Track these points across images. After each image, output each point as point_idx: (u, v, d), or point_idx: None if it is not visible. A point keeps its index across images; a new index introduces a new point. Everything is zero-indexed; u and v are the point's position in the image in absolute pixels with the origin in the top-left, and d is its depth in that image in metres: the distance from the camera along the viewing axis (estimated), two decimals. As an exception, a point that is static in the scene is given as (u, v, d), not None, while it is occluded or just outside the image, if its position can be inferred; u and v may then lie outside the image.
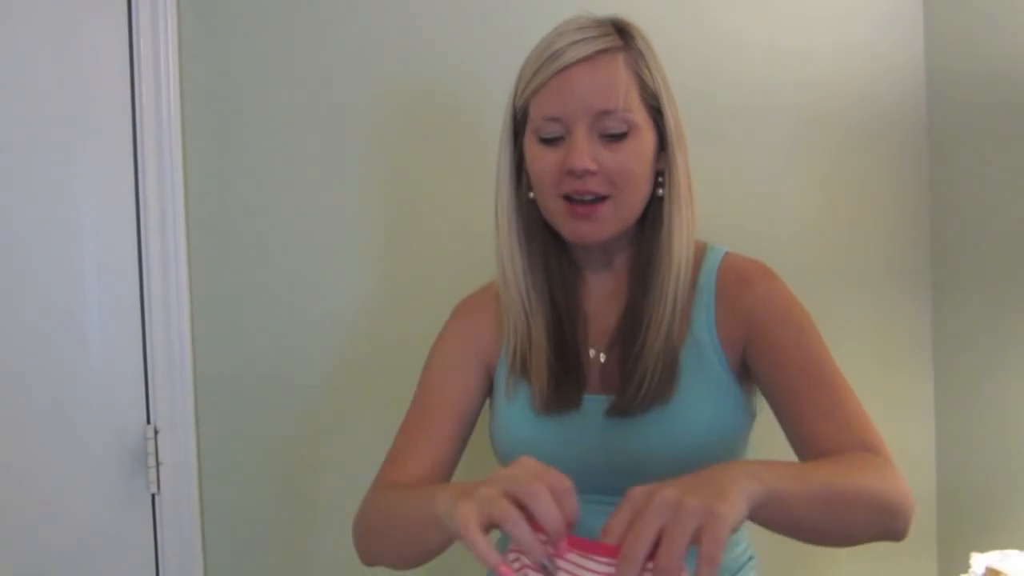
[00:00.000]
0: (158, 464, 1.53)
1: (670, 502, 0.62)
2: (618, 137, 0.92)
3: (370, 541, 0.95)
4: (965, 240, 1.62)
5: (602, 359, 1.00)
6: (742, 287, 0.96)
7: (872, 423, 0.87)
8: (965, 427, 1.63)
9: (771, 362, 0.90)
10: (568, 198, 0.93)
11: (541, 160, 0.94)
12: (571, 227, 0.94)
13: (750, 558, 1.01)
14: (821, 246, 1.65)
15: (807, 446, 0.87)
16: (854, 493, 0.76)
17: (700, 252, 1.00)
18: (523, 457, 0.72)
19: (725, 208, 1.58)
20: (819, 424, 0.86)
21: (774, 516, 0.70)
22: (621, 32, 0.95)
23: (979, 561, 1.30)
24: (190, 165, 1.57)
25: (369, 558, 0.97)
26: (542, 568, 0.68)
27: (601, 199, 0.92)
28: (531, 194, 0.99)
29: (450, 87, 1.59)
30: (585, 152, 0.90)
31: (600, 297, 1.02)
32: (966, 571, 1.31)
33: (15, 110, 1.45)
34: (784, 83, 1.63)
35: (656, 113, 0.95)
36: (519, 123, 0.99)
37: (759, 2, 1.62)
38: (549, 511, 0.65)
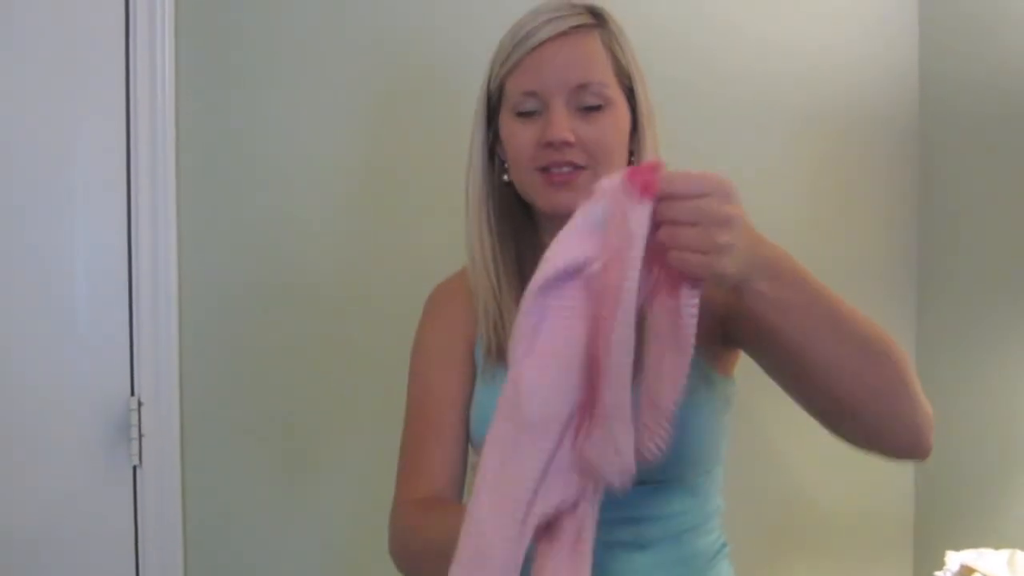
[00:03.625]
0: (141, 436, 1.53)
1: (715, 219, 0.68)
2: (594, 109, 0.93)
3: (421, 566, 0.93)
4: (951, 245, 1.63)
5: None
6: None
7: None
8: (943, 428, 1.63)
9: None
10: (544, 169, 0.94)
11: (518, 135, 0.95)
12: (548, 198, 0.94)
13: (723, 545, 1.02)
14: (807, 247, 1.64)
15: None
16: (865, 337, 0.78)
17: None
18: None
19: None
20: None
21: (765, 310, 0.75)
22: (594, 14, 0.97)
23: (954, 559, 1.32)
24: (182, 126, 1.56)
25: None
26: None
27: (578, 168, 0.93)
28: (505, 177, 1.00)
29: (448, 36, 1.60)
30: (563, 123, 0.92)
31: None
32: (941, 568, 1.33)
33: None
34: (776, 80, 1.63)
35: (629, 92, 0.97)
36: (493, 105, 1.00)
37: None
38: None
